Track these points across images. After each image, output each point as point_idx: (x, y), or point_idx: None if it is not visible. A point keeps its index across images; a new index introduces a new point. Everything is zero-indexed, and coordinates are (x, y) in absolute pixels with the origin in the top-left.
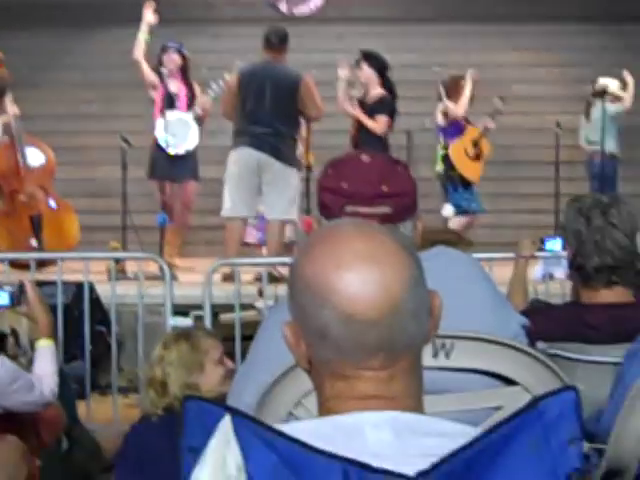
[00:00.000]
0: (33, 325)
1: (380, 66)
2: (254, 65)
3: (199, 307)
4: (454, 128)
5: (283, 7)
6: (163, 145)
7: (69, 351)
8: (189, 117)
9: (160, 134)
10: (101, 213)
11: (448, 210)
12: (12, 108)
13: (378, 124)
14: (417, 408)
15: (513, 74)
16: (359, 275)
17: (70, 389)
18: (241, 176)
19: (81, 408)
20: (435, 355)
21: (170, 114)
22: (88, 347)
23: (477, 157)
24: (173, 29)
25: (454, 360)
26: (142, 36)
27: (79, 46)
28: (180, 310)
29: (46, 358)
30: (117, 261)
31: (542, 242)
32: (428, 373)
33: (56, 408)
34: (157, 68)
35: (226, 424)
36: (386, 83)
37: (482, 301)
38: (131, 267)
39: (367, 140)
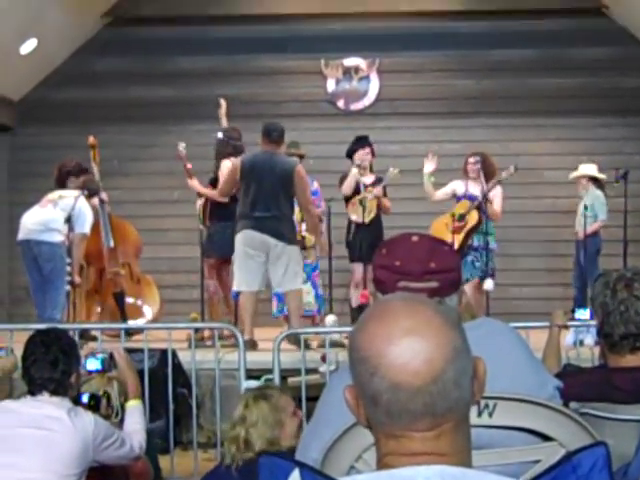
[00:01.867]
0: (123, 388)
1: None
2: (255, 155)
3: (269, 371)
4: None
5: (340, 103)
6: None
7: (155, 411)
8: None
9: None
10: (182, 287)
11: (489, 284)
12: (103, 194)
13: (389, 204)
14: (464, 463)
15: (545, 162)
16: (405, 349)
17: (154, 445)
18: (249, 255)
19: (165, 462)
20: (479, 414)
21: None
22: (171, 407)
23: (459, 229)
24: (245, 124)
25: (496, 419)
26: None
27: (161, 139)
28: (252, 374)
29: (135, 416)
30: (196, 330)
31: (573, 312)
32: (473, 430)
33: (144, 461)
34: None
35: (295, 477)
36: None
37: (521, 366)
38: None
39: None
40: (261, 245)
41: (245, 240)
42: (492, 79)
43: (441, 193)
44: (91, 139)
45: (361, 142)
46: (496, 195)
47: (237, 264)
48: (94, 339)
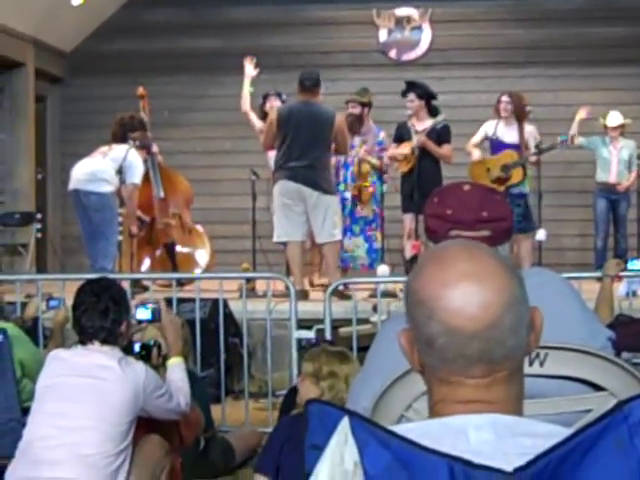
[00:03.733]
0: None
1: (427, 95)
2: (291, 105)
3: (320, 321)
4: (498, 145)
5: (392, 54)
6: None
7: (206, 360)
8: None
9: None
10: (233, 238)
11: (541, 234)
12: (153, 146)
13: (449, 152)
14: (516, 411)
15: (596, 111)
16: (462, 293)
17: (207, 394)
18: (286, 204)
19: (216, 411)
20: (531, 364)
21: None
22: (223, 357)
23: (500, 181)
24: (295, 75)
25: (548, 368)
26: (246, 89)
27: (212, 90)
28: (304, 324)
29: (178, 374)
30: (248, 280)
31: (626, 263)
32: (525, 380)
33: (196, 412)
34: (262, 113)
35: (344, 425)
36: (433, 111)
37: (573, 316)
38: (260, 286)
39: (428, 168)
40: (297, 195)
41: (282, 190)
42: (543, 28)
43: (477, 138)
44: (140, 89)
45: (404, 90)
46: (530, 135)
47: (276, 215)
48: (146, 289)
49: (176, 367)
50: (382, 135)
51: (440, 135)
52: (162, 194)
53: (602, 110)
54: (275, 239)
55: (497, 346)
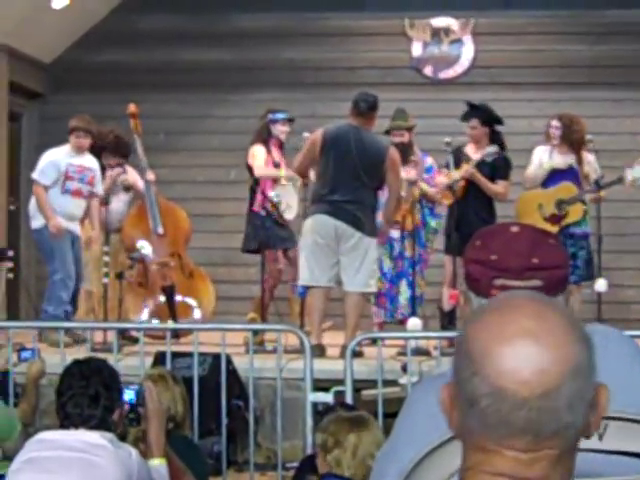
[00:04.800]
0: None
1: (492, 120)
2: (339, 128)
3: (340, 382)
4: (553, 176)
5: (428, 71)
6: (282, 210)
7: (205, 426)
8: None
9: (276, 201)
10: (239, 283)
11: (602, 285)
12: (149, 173)
13: (504, 190)
14: None
15: None
16: (517, 351)
17: (206, 466)
18: (319, 244)
19: None
20: (588, 437)
21: (283, 181)
22: (225, 422)
23: (555, 219)
24: (313, 93)
25: (608, 442)
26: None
27: (216, 110)
28: (320, 385)
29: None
30: (255, 333)
31: None
32: (580, 455)
33: None
34: (264, 135)
35: None
36: (495, 139)
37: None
38: (270, 339)
39: (475, 205)
40: (335, 233)
41: (316, 226)
42: (606, 44)
43: (533, 167)
44: (132, 107)
45: (466, 114)
46: (590, 167)
47: (304, 255)
48: (135, 340)
49: (159, 470)
50: (430, 161)
51: (496, 168)
52: (161, 230)
53: None
54: (301, 283)
55: (549, 419)
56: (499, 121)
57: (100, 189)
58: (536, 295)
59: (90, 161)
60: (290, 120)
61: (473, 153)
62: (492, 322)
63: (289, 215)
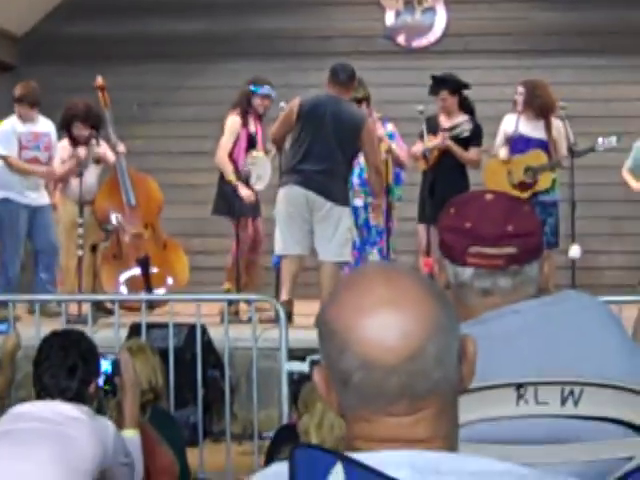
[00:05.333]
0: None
1: (460, 87)
2: (317, 98)
3: (315, 351)
4: (520, 142)
5: (401, 40)
6: (253, 182)
7: (181, 396)
8: (266, 156)
9: (248, 171)
10: (213, 253)
11: (575, 251)
12: (119, 145)
13: (477, 156)
14: (447, 449)
15: None
16: (378, 321)
17: (182, 437)
18: (291, 215)
19: (193, 456)
20: (563, 403)
21: (255, 152)
22: (201, 392)
23: (524, 187)
24: (288, 63)
25: (583, 408)
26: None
27: (190, 81)
28: (296, 354)
29: (135, 452)
30: (230, 303)
31: None
32: (556, 421)
33: (169, 458)
34: (243, 105)
35: (338, 472)
36: (465, 104)
37: (613, 347)
38: (245, 310)
39: (448, 173)
40: (306, 203)
41: (288, 197)
42: (580, 11)
43: (498, 140)
44: (99, 80)
45: (434, 87)
46: (559, 134)
47: (278, 225)
48: (110, 312)
49: (132, 442)
50: (390, 127)
51: (469, 136)
52: (133, 201)
53: None
54: (276, 252)
55: (421, 380)
56: (466, 86)
57: (56, 152)
58: (385, 263)
59: (44, 125)
60: (269, 96)
61: (445, 122)
62: (349, 297)
63: (259, 186)
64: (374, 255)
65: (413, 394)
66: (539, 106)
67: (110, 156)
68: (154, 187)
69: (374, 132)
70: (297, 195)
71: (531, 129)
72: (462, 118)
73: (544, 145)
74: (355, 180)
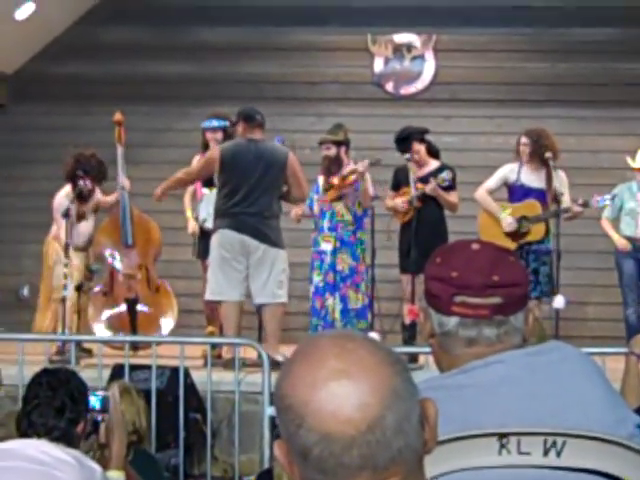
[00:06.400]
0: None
1: (422, 134)
2: (237, 144)
3: None
4: (520, 192)
5: (389, 87)
6: (206, 223)
7: (162, 438)
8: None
9: (203, 212)
10: (199, 296)
11: (559, 302)
12: (124, 181)
13: (457, 200)
14: None
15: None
16: (333, 393)
17: (162, 479)
18: (226, 260)
19: None
20: (546, 453)
21: (207, 190)
22: (182, 435)
23: (515, 236)
24: (275, 108)
25: (565, 459)
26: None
27: (177, 123)
28: None
29: None
30: (214, 346)
31: None
32: (538, 472)
33: None
34: (204, 145)
35: None
36: (432, 149)
37: (596, 399)
38: (228, 353)
39: (429, 220)
40: (240, 247)
41: (222, 241)
42: (568, 62)
43: (492, 183)
44: (117, 115)
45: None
46: (562, 184)
47: (211, 269)
48: (89, 352)
49: None
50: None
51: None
52: (130, 241)
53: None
54: (207, 297)
55: (381, 450)
56: (427, 131)
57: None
58: (339, 334)
59: None
60: (217, 128)
61: (418, 171)
62: (303, 371)
63: (209, 224)
64: (336, 301)
65: (375, 465)
66: (545, 156)
67: (108, 197)
68: (155, 229)
69: (298, 166)
70: (231, 239)
71: (533, 179)
72: (435, 165)
73: (543, 195)
74: (325, 224)
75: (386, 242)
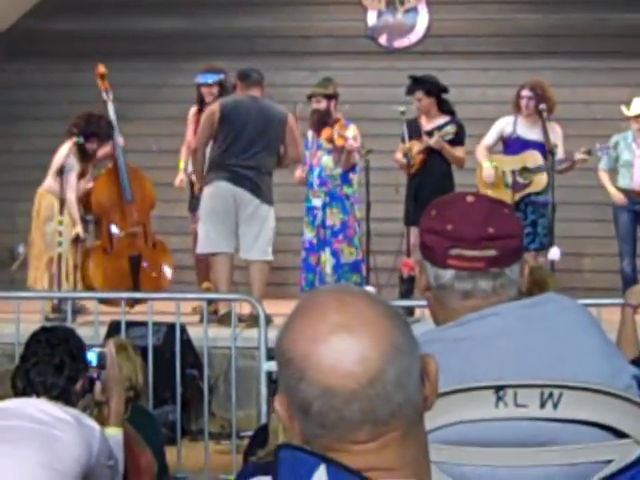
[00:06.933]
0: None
1: (438, 90)
2: (237, 99)
3: None
4: (517, 144)
5: (383, 40)
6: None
7: (159, 395)
8: None
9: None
10: (192, 252)
11: (555, 253)
12: (118, 137)
13: (464, 155)
14: (417, 476)
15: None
16: (334, 347)
17: (160, 435)
18: (217, 212)
19: (171, 454)
20: (542, 405)
21: None
22: (179, 391)
23: (517, 187)
24: (268, 62)
25: (562, 411)
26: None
27: (172, 79)
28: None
29: (116, 450)
30: (210, 302)
31: None
32: (535, 424)
33: (147, 457)
34: (199, 100)
35: (321, 474)
36: (444, 107)
37: (593, 350)
38: (224, 309)
39: (433, 174)
40: (233, 200)
41: (214, 194)
42: (561, 13)
43: (490, 139)
44: (101, 68)
45: (410, 87)
46: (557, 137)
47: (202, 222)
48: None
49: (114, 441)
50: (353, 130)
51: (453, 138)
52: (131, 197)
53: None
54: (199, 250)
55: (382, 404)
56: (445, 90)
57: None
58: (338, 288)
59: None
60: (213, 83)
61: (426, 124)
62: (303, 325)
63: None
64: (327, 256)
65: (375, 419)
66: (549, 107)
67: (105, 149)
68: (149, 184)
69: (296, 127)
70: (225, 192)
71: (529, 131)
72: (443, 119)
73: (541, 147)
74: (315, 180)
75: (382, 196)
